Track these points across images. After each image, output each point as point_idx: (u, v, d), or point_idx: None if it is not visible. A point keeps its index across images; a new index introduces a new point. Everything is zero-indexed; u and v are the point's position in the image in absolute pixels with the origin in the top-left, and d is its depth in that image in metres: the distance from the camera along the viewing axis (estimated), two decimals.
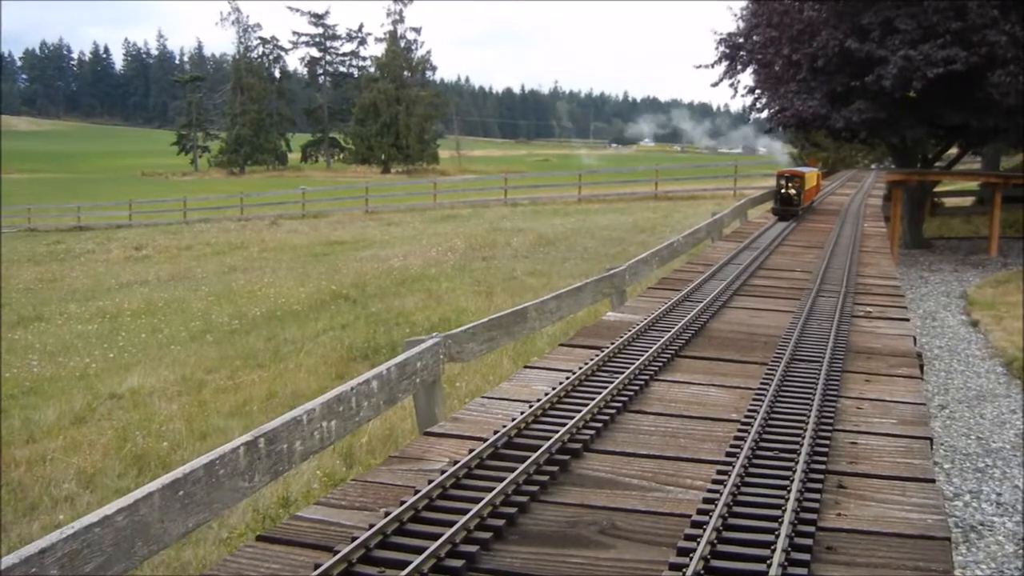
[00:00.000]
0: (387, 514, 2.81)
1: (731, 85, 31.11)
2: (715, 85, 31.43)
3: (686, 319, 6.04)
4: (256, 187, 62.54)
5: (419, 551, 2.56)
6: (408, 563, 2.48)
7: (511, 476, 3.17)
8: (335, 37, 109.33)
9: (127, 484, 7.64)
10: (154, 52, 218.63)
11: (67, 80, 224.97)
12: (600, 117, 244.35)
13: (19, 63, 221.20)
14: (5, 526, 7.21)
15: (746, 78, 31.01)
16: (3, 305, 20.06)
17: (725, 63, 30.50)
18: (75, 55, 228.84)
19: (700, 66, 31.00)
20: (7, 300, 20.96)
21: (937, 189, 33.69)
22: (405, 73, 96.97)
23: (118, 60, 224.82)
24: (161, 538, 3.02)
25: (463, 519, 2.78)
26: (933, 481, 3.50)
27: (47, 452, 8.84)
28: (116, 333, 15.56)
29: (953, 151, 33.29)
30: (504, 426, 3.72)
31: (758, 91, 30.63)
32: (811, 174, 15.72)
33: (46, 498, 7.73)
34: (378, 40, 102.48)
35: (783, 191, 13.88)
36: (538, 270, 19.62)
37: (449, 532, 2.68)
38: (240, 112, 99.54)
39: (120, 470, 8.27)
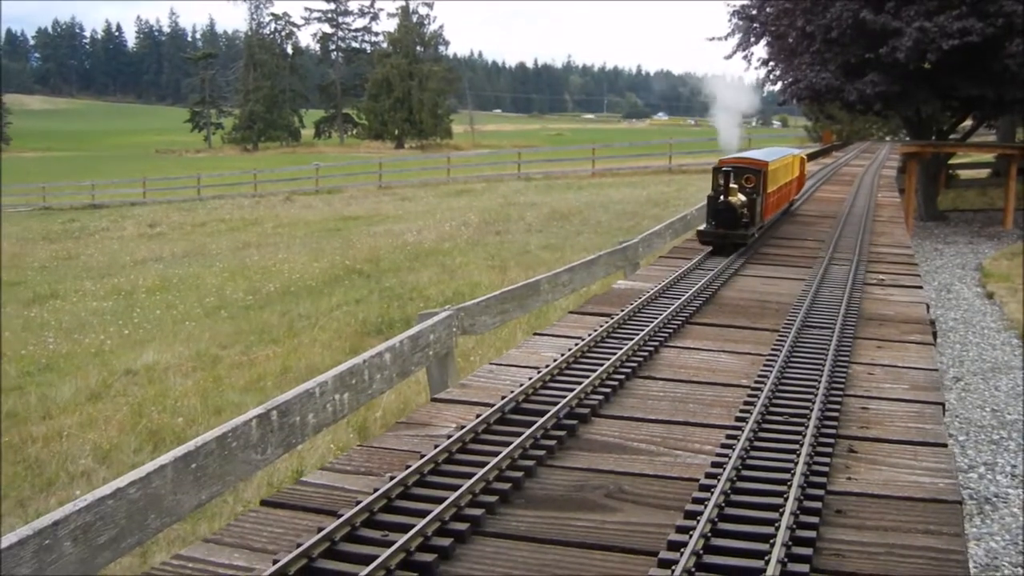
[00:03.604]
0: (392, 479, 2.80)
1: (745, 57, 30.93)
2: (728, 57, 31.23)
3: (697, 287, 6.00)
4: (269, 163, 62.70)
5: (423, 514, 2.55)
6: (412, 526, 2.47)
7: (518, 440, 3.15)
8: (347, 12, 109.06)
9: (142, 459, 7.68)
10: (166, 29, 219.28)
11: (80, 58, 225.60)
12: (613, 90, 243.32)
13: (32, 42, 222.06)
14: (23, 501, 7.28)
15: (760, 50, 30.80)
16: (20, 283, 20.17)
17: (739, 35, 30.28)
18: (87, 33, 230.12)
19: (714, 38, 30.81)
20: (23, 278, 21.07)
21: (952, 161, 33.44)
22: (418, 48, 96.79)
23: (131, 38, 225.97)
24: (174, 510, 3.03)
25: (468, 483, 2.77)
26: (945, 445, 3.47)
27: (63, 428, 8.91)
28: (131, 310, 15.63)
29: (968, 123, 32.98)
30: (512, 391, 3.70)
31: (772, 63, 30.42)
32: (784, 162, 9.22)
33: (63, 474, 7.80)
34: (390, 15, 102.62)
35: (720, 198, 7.33)
36: (552, 244, 19.60)
37: (454, 496, 2.67)
38: (253, 88, 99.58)
39: (136, 445, 8.34)
